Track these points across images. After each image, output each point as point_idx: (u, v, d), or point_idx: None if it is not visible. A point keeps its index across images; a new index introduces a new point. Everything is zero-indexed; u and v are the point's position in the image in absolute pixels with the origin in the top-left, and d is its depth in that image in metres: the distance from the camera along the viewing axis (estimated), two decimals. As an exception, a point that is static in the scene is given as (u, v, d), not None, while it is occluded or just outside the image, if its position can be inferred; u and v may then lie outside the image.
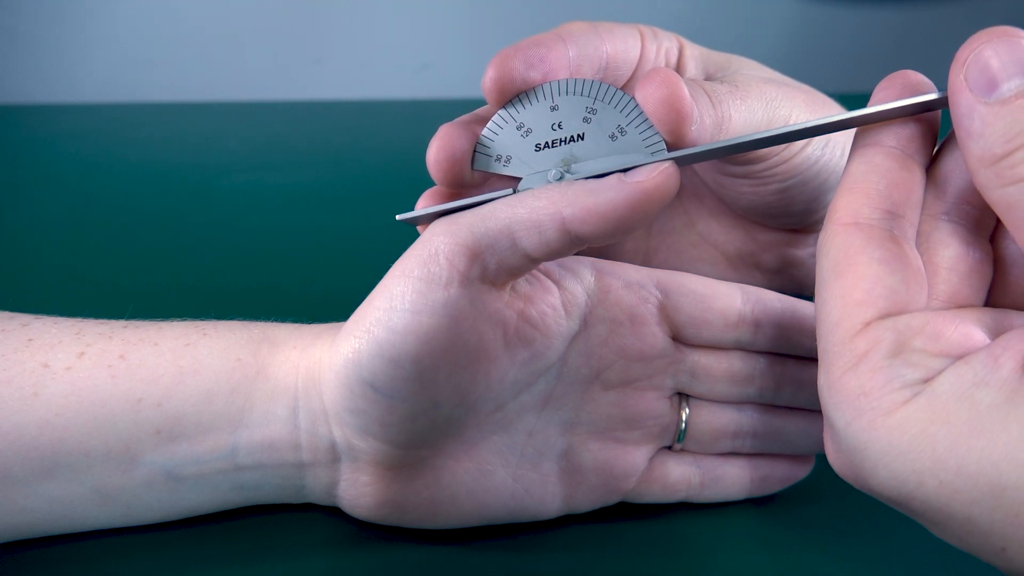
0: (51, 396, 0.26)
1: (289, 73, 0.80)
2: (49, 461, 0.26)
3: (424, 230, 0.26)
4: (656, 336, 0.29)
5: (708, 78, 0.30)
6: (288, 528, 0.30)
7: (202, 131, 0.67)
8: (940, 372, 0.20)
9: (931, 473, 0.19)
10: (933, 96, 0.23)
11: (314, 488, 0.29)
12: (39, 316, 0.29)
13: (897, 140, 0.23)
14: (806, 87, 0.31)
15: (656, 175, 0.24)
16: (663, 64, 0.29)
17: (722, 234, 0.34)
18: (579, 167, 0.25)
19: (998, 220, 0.23)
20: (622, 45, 0.27)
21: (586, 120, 0.26)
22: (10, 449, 0.26)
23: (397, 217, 0.26)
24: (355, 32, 0.80)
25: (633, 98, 0.25)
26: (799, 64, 0.92)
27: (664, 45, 0.30)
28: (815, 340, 0.29)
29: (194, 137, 0.66)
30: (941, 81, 0.23)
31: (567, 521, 0.30)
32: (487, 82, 0.25)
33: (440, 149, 0.25)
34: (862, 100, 0.26)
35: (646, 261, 0.35)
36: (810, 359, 0.30)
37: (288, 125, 0.69)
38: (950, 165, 0.23)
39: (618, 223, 0.24)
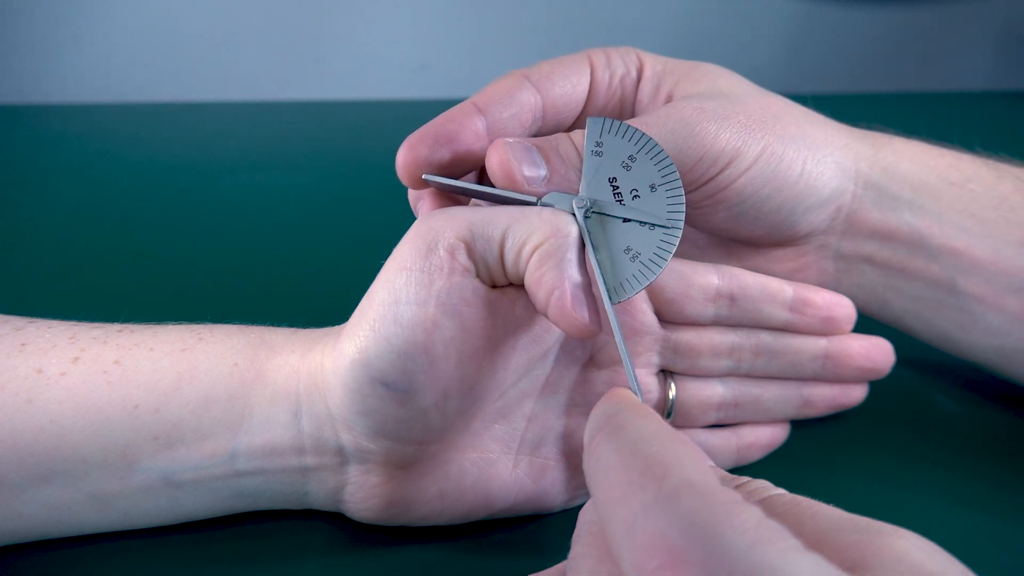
0: (46, 402, 0.26)
1: (289, 73, 0.80)
2: (45, 468, 0.26)
3: (419, 220, 0.27)
4: (645, 313, 0.30)
5: (668, 97, 0.31)
6: (288, 532, 0.30)
7: (202, 131, 0.67)
8: None
9: None
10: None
11: (318, 493, 0.28)
12: (33, 319, 0.29)
13: None
14: (758, 100, 0.32)
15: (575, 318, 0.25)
16: (617, 92, 0.32)
17: (696, 247, 0.35)
18: (599, 217, 0.27)
19: None
20: (562, 87, 0.30)
21: (627, 168, 0.27)
22: (5, 456, 0.26)
23: (424, 176, 0.27)
24: (355, 32, 0.80)
25: (674, 170, 0.27)
26: (799, 64, 0.92)
27: (619, 72, 0.31)
28: (786, 312, 0.31)
29: (194, 137, 0.66)
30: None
31: (569, 516, 0.30)
32: (399, 167, 0.27)
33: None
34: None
35: None
36: (781, 330, 0.32)
37: (288, 125, 0.69)
38: None
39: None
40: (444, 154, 0.27)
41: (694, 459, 0.19)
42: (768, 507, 0.20)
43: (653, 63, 0.32)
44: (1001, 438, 0.35)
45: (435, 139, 0.27)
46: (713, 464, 0.25)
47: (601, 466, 0.20)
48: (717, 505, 0.17)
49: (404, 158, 0.27)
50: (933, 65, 0.89)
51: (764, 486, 0.22)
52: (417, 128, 0.28)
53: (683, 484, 0.18)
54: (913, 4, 0.86)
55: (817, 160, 0.31)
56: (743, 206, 0.30)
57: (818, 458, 0.34)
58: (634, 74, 0.32)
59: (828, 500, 0.32)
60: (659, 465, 0.18)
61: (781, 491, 0.21)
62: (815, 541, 0.18)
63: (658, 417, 0.22)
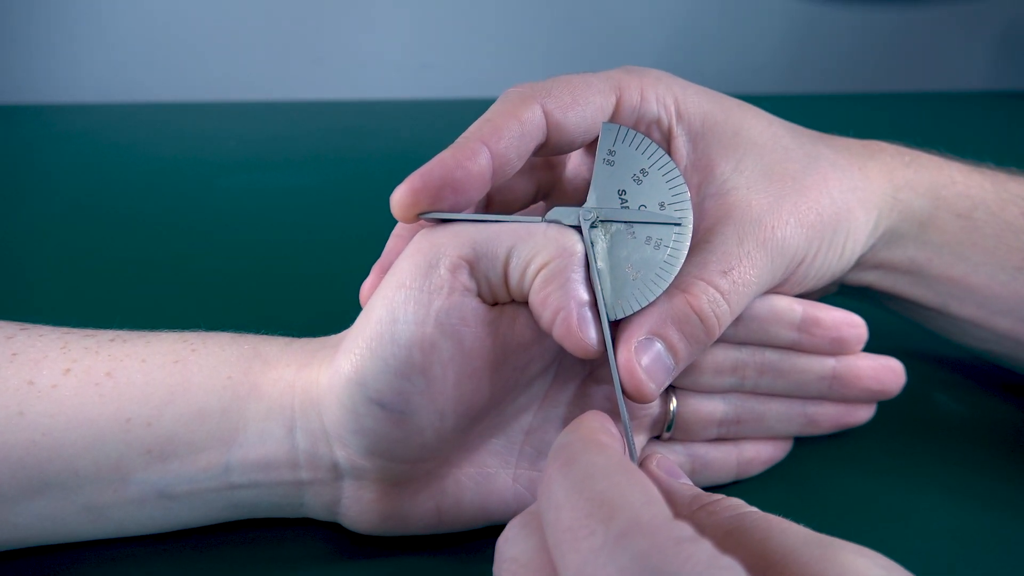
0: (37, 416, 0.26)
1: (289, 73, 0.80)
2: (38, 480, 0.26)
3: (420, 235, 0.26)
4: None
5: (707, 167, 0.29)
6: (285, 539, 0.29)
7: (202, 131, 0.67)
8: None
9: None
10: None
11: (314, 505, 0.28)
12: (24, 326, 0.28)
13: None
14: (797, 163, 0.30)
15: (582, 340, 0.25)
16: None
17: None
18: (605, 228, 0.26)
19: None
20: (578, 119, 0.27)
21: (637, 181, 0.27)
22: None
23: (419, 215, 0.26)
24: (355, 32, 0.80)
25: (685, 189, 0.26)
26: (799, 64, 0.92)
27: (649, 116, 0.29)
28: (794, 332, 0.30)
29: (194, 137, 0.66)
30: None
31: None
32: (395, 205, 0.25)
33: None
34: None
35: None
36: (787, 348, 0.31)
37: (288, 125, 0.69)
38: None
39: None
40: (447, 203, 0.25)
41: (643, 494, 0.18)
42: (739, 524, 0.20)
43: (690, 113, 0.30)
44: (1003, 437, 0.35)
45: (439, 189, 0.25)
46: (689, 482, 0.24)
47: (552, 504, 0.19)
48: (667, 545, 0.17)
49: (403, 200, 0.25)
50: (933, 65, 0.89)
51: (737, 504, 0.22)
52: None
53: (631, 525, 0.17)
54: (913, 4, 0.87)
55: (855, 240, 0.31)
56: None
57: (819, 456, 0.34)
58: (666, 123, 0.29)
59: (829, 497, 0.32)
60: (606, 505, 0.18)
61: (754, 509, 0.21)
62: (782, 556, 0.19)
63: (609, 447, 0.21)
